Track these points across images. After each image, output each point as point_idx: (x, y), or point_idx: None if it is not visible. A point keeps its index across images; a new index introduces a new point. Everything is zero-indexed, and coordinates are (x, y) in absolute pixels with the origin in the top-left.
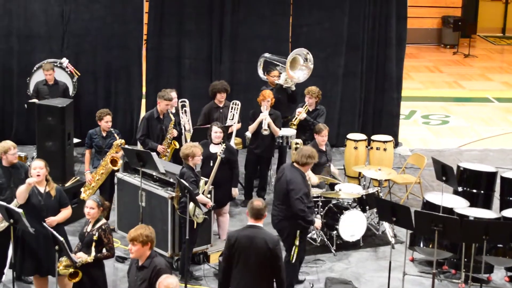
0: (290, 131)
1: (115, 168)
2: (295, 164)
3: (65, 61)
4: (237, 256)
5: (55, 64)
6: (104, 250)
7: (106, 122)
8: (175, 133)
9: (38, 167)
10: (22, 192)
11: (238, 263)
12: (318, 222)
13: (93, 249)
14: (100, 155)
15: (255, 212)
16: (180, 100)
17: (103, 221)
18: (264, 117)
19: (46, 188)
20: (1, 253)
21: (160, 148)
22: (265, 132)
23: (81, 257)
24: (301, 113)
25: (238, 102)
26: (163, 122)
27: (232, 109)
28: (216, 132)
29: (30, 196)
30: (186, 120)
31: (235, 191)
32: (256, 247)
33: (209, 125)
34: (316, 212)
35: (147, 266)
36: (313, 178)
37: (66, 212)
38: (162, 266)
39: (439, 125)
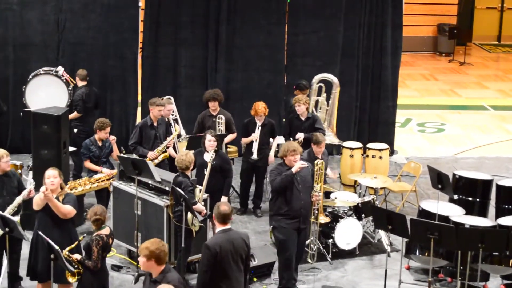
0: (284, 140)
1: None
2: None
3: (60, 70)
4: (223, 263)
5: (51, 73)
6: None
7: (106, 133)
8: (172, 144)
9: (52, 176)
10: (37, 201)
11: (223, 270)
12: None
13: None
14: (97, 165)
15: (223, 216)
16: (166, 97)
17: (100, 231)
18: (255, 138)
19: (58, 196)
20: None
21: (151, 154)
22: (254, 159)
23: (75, 257)
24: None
25: (222, 116)
26: (157, 129)
27: (218, 124)
28: (210, 140)
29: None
30: (172, 117)
31: (224, 200)
32: (239, 248)
33: (202, 134)
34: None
35: (160, 281)
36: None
37: (67, 206)
38: (175, 282)
39: (434, 133)
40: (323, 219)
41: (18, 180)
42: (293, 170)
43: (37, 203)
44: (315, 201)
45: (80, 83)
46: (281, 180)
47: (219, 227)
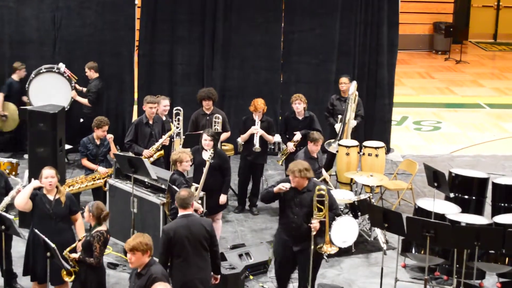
0: (280, 138)
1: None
2: None
3: (62, 66)
4: (178, 248)
5: (53, 70)
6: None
7: (103, 131)
8: (167, 142)
9: (49, 176)
10: (24, 197)
11: (180, 255)
12: None
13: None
14: (94, 163)
15: (182, 201)
16: (174, 108)
17: (99, 228)
18: (256, 131)
19: (55, 195)
20: None
21: (146, 152)
22: (257, 149)
23: (74, 256)
24: (295, 140)
25: (219, 116)
26: (152, 127)
27: (215, 123)
28: (205, 140)
29: (38, 205)
30: (175, 129)
31: (223, 198)
32: (196, 233)
33: (200, 132)
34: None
35: (144, 274)
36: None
37: (81, 223)
38: (158, 274)
39: (430, 131)
40: (330, 249)
41: (6, 180)
42: (275, 190)
43: (21, 202)
44: (313, 228)
45: (95, 75)
46: (265, 193)
47: (180, 212)
